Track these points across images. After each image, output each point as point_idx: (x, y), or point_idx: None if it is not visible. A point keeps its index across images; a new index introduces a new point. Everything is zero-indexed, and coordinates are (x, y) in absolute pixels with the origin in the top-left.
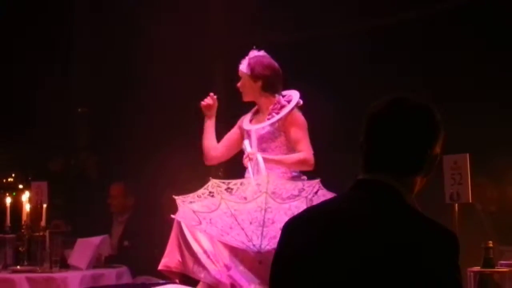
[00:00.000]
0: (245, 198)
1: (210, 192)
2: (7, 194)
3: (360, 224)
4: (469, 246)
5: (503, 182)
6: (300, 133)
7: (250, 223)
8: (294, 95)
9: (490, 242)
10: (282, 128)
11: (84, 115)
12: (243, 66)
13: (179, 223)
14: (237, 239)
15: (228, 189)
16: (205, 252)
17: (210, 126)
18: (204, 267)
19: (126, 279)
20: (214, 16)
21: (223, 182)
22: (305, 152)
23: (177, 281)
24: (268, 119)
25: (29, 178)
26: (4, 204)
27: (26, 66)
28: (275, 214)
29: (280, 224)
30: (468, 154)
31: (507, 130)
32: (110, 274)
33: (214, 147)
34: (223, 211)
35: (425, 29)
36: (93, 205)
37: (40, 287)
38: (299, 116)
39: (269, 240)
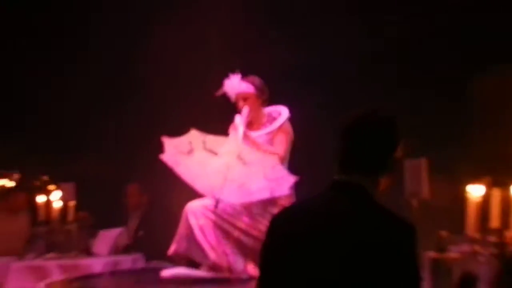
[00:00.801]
0: (216, 154)
1: (189, 142)
2: (41, 194)
3: (335, 218)
4: (425, 235)
5: (454, 181)
6: (284, 139)
7: (207, 176)
8: (282, 109)
9: (443, 232)
10: (271, 135)
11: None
12: (248, 88)
13: (187, 216)
14: (203, 186)
15: (203, 142)
16: (207, 240)
17: None
18: (205, 253)
19: (141, 264)
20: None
21: (202, 135)
22: (279, 153)
23: (183, 267)
24: (265, 127)
25: (59, 180)
26: (38, 202)
27: (55, 80)
28: (236, 174)
29: (238, 183)
30: (424, 159)
31: (459, 138)
32: (127, 260)
33: None
34: (196, 160)
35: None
36: (113, 203)
37: (68, 272)
38: (288, 126)
39: (228, 194)
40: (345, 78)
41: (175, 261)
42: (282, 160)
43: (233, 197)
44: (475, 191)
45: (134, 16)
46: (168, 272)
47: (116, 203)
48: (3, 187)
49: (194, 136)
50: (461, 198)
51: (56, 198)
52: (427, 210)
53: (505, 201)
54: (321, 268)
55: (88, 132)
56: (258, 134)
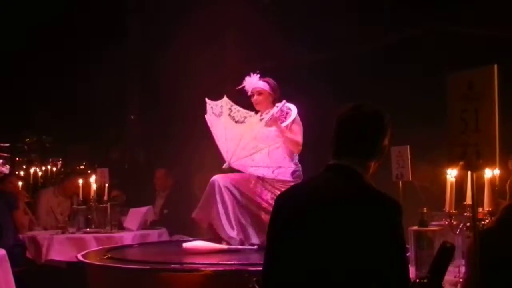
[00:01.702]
0: (236, 122)
1: (221, 106)
2: (80, 177)
3: (330, 197)
4: (410, 212)
5: (433, 164)
6: (298, 130)
7: (226, 139)
8: (291, 105)
9: (425, 208)
10: (288, 128)
11: (135, 121)
12: (264, 85)
13: (213, 186)
14: (222, 148)
15: (230, 109)
16: (226, 213)
17: None
18: (222, 225)
19: (165, 237)
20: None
21: (230, 103)
22: (298, 141)
23: (201, 240)
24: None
25: (96, 165)
26: (78, 184)
27: (91, 85)
28: (247, 143)
29: (247, 152)
30: (408, 146)
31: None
32: (153, 234)
33: None
34: (222, 122)
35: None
36: (142, 184)
37: (103, 244)
38: (298, 118)
39: (237, 159)
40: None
41: (196, 232)
42: (300, 147)
43: (240, 165)
44: (452, 173)
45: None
46: (189, 245)
47: (145, 185)
48: (51, 171)
49: (225, 101)
50: (440, 179)
51: (92, 180)
52: (411, 191)
53: (477, 181)
54: (317, 240)
55: (125, 123)
56: (285, 124)
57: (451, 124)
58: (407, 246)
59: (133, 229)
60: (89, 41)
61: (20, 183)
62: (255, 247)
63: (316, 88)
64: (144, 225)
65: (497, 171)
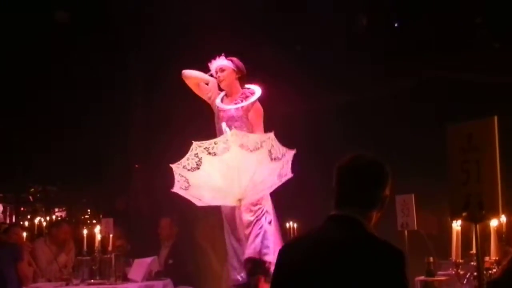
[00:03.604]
0: (220, 152)
1: (195, 154)
2: (84, 227)
3: (333, 247)
4: (416, 261)
5: (439, 213)
6: (257, 119)
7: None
8: (257, 90)
9: (431, 257)
10: (246, 112)
11: (139, 170)
12: (228, 63)
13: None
14: (220, 196)
15: (206, 148)
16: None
17: None
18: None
19: None
20: None
21: (202, 143)
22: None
23: None
24: (235, 103)
25: (100, 216)
26: (82, 234)
27: (97, 137)
28: (247, 170)
29: (250, 173)
30: (412, 195)
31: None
32: (158, 285)
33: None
34: (206, 168)
35: None
36: (146, 235)
37: None
38: (259, 106)
39: (250, 195)
40: None
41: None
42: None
43: (254, 195)
44: (457, 222)
45: None
46: None
47: (149, 235)
48: (53, 220)
49: (196, 147)
50: (445, 228)
51: (97, 231)
52: (417, 239)
53: (482, 231)
54: (319, 285)
55: (128, 176)
56: (233, 107)
57: (452, 175)
58: None
59: (138, 280)
60: (91, 92)
61: (24, 234)
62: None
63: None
64: (148, 276)
65: (503, 218)
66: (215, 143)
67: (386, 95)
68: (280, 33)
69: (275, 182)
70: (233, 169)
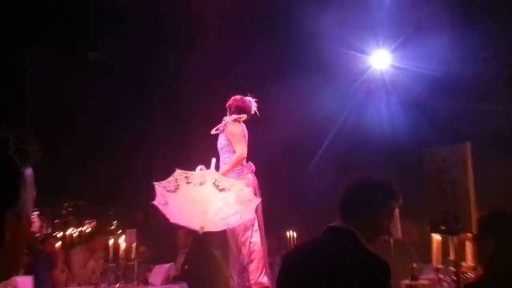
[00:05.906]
0: (197, 184)
1: (175, 179)
2: (111, 237)
3: (325, 256)
4: (401, 266)
5: (420, 223)
6: (234, 138)
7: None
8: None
9: (414, 264)
10: (227, 138)
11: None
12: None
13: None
14: (189, 218)
15: (186, 177)
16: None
17: None
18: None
19: None
20: None
21: (184, 172)
22: (237, 151)
23: None
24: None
25: (124, 227)
26: (104, 241)
27: (118, 155)
28: (215, 205)
29: (218, 217)
30: (397, 208)
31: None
32: None
33: None
34: (182, 193)
35: None
36: (165, 243)
37: None
38: (235, 127)
39: (212, 226)
40: None
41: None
42: (243, 155)
43: (215, 227)
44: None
45: None
46: None
47: (168, 244)
48: (85, 232)
49: (178, 174)
50: (426, 234)
51: (122, 241)
52: (401, 247)
53: (459, 238)
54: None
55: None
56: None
57: (429, 195)
58: None
59: (157, 284)
60: (116, 117)
61: (58, 244)
62: None
63: None
64: (167, 280)
65: None
66: (194, 176)
67: None
68: None
69: (238, 220)
70: (202, 201)
